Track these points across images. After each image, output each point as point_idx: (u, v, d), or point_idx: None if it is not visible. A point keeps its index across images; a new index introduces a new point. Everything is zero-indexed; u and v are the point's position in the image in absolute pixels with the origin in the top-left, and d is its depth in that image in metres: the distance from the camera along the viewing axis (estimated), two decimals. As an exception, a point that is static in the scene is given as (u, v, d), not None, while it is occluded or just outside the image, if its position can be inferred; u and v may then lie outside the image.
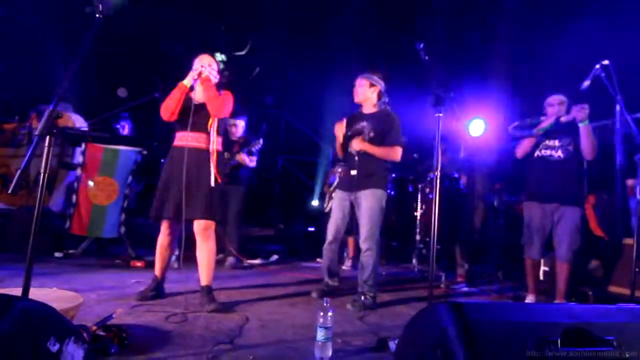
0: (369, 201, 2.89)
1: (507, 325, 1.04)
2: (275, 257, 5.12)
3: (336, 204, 3.11)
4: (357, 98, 3.08)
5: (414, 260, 5.23)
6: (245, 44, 7.48)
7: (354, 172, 2.96)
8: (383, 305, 2.97)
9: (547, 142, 3.13)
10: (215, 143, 2.64)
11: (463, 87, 5.44)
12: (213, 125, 2.65)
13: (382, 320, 2.56)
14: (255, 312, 2.53)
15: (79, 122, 5.11)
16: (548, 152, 3.12)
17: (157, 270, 2.76)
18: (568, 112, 3.06)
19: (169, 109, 2.63)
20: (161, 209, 2.61)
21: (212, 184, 2.58)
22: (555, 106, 3.11)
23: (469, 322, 0.95)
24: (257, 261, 4.76)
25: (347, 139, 3.06)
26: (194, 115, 2.58)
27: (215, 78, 2.71)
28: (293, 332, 2.20)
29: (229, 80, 2.85)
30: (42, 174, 1.49)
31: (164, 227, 2.71)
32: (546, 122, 3.10)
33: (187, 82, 2.64)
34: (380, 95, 3.07)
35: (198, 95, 2.68)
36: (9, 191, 1.40)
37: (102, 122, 4.88)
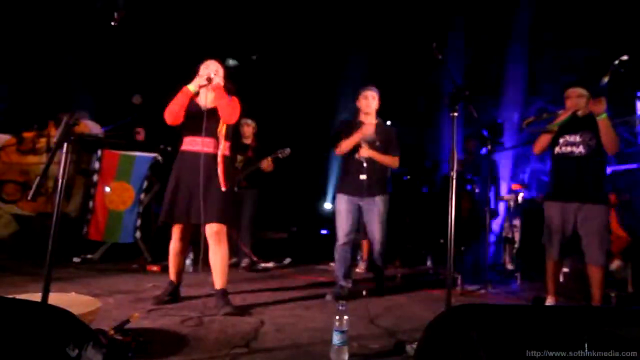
0: (380, 206, 3.19)
1: (531, 329, 1.01)
2: (288, 259, 5.11)
3: (345, 207, 3.20)
4: (368, 109, 3.24)
5: (428, 262, 5.18)
6: (256, 49, 7.52)
7: (363, 177, 3.13)
8: (399, 308, 2.93)
9: (567, 138, 2.97)
10: (223, 148, 2.66)
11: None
12: (221, 130, 2.66)
13: (399, 323, 2.53)
14: (270, 316, 2.52)
15: (95, 129, 5.20)
16: (569, 148, 2.96)
17: (172, 276, 2.77)
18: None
19: (173, 113, 2.63)
20: (172, 214, 2.61)
21: (223, 188, 2.58)
22: (573, 99, 2.95)
23: (492, 325, 0.93)
24: (271, 264, 4.75)
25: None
26: (204, 121, 2.58)
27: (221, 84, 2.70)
28: (308, 335, 2.18)
29: (235, 85, 2.83)
30: (60, 181, 1.51)
31: (176, 232, 2.70)
32: (562, 116, 2.96)
33: (192, 87, 2.64)
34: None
35: (206, 101, 2.66)
36: (29, 197, 1.42)
37: (118, 129, 4.96)
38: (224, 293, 2.60)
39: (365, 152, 3.14)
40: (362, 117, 3.28)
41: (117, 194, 4.13)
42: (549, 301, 3.08)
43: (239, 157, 4.33)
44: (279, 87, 7.15)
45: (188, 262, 4.04)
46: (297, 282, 3.84)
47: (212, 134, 2.64)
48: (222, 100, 2.62)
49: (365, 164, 3.13)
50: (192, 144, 2.66)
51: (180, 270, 2.79)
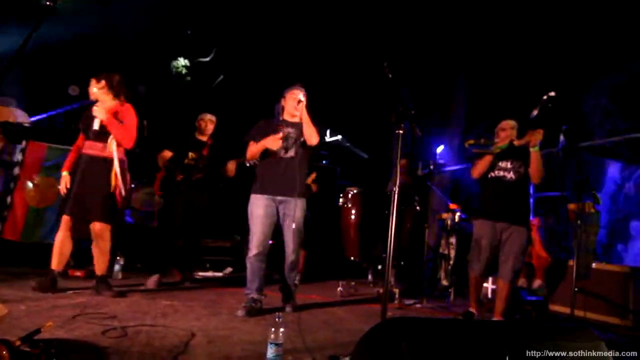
0: (299, 211, 2.99)
1: (456, 341, 1.04)
2: (229, 269, 4.95)
3: (262, 212, 2.96)
4: (295, 111, 2.99)
5: (369, 276, 5.26)
6: (211, 50, 7.35)
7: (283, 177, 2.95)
8: (337, 321, 2.93)
9: (500, 163, 3.28)
10: (116, 152, 2.95)
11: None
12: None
13: (337, 336, 2.52)
14: (202, 328, 2.40)
15: (22, 118, 4.75)
16: (501, 173, 3.27)
17: (55, 265, 2.89)
18: (519, 136, 3.24)
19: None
20: (65, 205, 2.92)
21: (110, 190, 2.92)
22: (507, 130, 3.29)
23: (421, 338, 0.94)
24: (209, 274, 4.58)
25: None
26: (97, 127, 2.93)
27: (103, 114, 2.91)
28: (242, 348, 2.10)
29: (142, 95, 3.07)
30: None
31: (64, 223, 2.91)
32: (502, 142, 3.27)
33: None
34: None
35: (99, 114, 2.93)
36: None
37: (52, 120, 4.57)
38: (103, 278, 2.98)
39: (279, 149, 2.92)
40: (287, 117, 3.05)
41: (40, 190, 3.77)
42: (472, 310, 3.31)
43: (191, 154, 3.87)
44: (234, 90, 7.04)
45: (117, 267, 3.78)
46: (236, 293, 3.71)
47: (104, 139, 2.95)
48: (113, 131, 2.93)
49: (283, 165, 2.94)
50: (87, 147, 2.98)
51: (65, 260, 3.00)
